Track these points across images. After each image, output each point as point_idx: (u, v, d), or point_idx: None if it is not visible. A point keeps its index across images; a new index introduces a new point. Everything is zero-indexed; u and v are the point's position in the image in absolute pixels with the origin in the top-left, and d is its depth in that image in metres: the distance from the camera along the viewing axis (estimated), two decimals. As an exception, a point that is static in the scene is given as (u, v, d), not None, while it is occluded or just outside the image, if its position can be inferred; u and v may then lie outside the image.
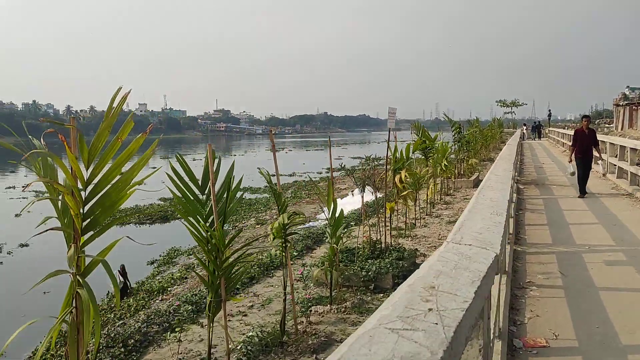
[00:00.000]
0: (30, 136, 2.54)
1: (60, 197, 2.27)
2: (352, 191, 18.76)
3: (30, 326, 2.28)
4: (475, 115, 31.14)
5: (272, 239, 4.45)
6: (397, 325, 1.49)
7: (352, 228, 9.58)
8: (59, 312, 2.32)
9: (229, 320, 5.36)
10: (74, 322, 2.28)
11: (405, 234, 8.88)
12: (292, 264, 7.58)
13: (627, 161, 12.81)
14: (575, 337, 4.36)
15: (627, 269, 6.12)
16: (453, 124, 15.15)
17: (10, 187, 26.94)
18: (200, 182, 3.65)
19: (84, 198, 2.29)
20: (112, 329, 5.39)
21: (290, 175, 30.80)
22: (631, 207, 10.15)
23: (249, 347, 4.24)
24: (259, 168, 4.86)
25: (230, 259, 3.59)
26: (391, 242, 7.69)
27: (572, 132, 26.33)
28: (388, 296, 2.68)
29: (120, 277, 10.78)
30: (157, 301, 8.08)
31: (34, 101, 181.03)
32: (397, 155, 7.59)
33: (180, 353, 4.52)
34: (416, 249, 7.68)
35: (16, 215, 17.61)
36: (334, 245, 5.45)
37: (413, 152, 8.05)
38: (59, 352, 5.37)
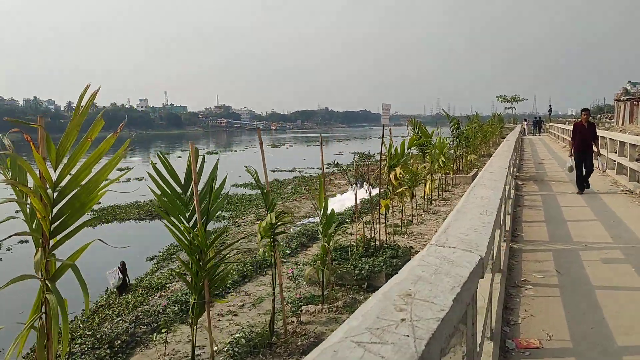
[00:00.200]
0: None
1: (27, 200, 2.18)
2: (355, 186, 18.68)
3: (-1, 332, 2.21)
4: (477, 110, 30.99)
5: (260, 239, 4.36)
6: (365, 338, 1.40)
7: (347, 225, 9.49)
8: (28, 318, 2.24)
9: (219, 320, 5.30)
10: (43, 329, 2.20)
11: (401, 231, 8.79)
12: (285, 262, 7.51)
13: (627, 157, 12.70)
14: (569, 338, 4.27)
15: (624, 267, 6.03)
16: (451, 119, 15.03)
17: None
18: (183, 181, 3.56)
19: (52, 200, 2.21)
20: (109, 326, 5.33)
21: (291, 171, 30.75)
22: (630, 203, 10.05)
23: (235, 349, 4.16)
24: (245, 166, 4.77)
25: (214, 260, 3.50)
26: (386, 240, 7.60)
27: (572, 127, 26.26)
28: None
29: (120, 274, 10.76)
30: (155, 297, 8.02)
31: (35, 97, 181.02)
32: (392, 152, 7.49)
33: (167, 354, 4.44)
34: (411, 246, 7.60)
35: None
36: (326, 244, 5.36)
37: (408, 148, 7.95)
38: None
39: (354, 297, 5.58)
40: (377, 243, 6.89)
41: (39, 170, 2.18)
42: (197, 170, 3.51)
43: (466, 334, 2.19)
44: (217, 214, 15.62)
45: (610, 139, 14.73)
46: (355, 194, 6.99)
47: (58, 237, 2.30)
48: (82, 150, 2.31)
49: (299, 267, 6.89)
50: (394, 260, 6.33)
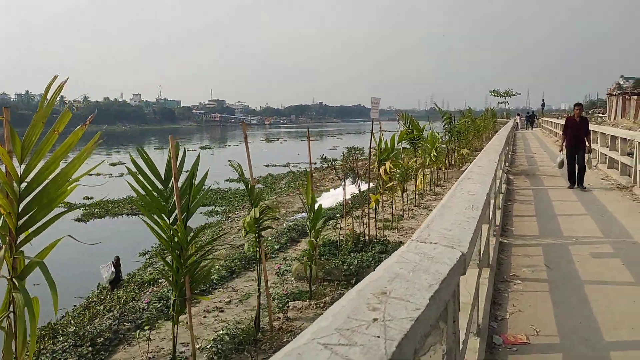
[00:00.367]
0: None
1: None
2: (344, 181, 18.63)
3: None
4: (470, 105, 31.06)
5: (244, 234, 4.29)
6: (333, 339, 1.34)
7: (336, 220, 9.43)
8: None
9: (205, 317, 5.23)
10: (10, 328, 2.12)
11: (391, 226, 8.75)
12: (274, 257, 7.45)
13: (618, 151, 12.69)
14: (557, 333, 4.23)
15: (613, 262, 6.01)
16: (443, 113, 14.98)
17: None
18: (163, 177, 3.48)
19: (18, 195, 2.12)
20: (94, 323, 5.25)
21: (285, 166, 30.67)
22: (621, 197, 10.04)
23: (219, 346, 4.10)
24: (229, 160, 4.69)
25: (196, 257, 3.42)
26: (376, 235, 7.56)
27: (564, 122, 26.31)
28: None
29: (113, 268, 10.72)
30: (147, 293, 7.95)
31: (27, 91, 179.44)
32: (382, 146, 7.43)
33: (151, 352, 4.37)
34: (401, 241, 7.54)
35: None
36: (313, 239, 5.30)
37: (398, 143, 7.89)
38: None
39: (342, 293, 5.52)
40: (367, 238, 6.83)
41: (5, 165, 2.10)
42: (178, 165, 3.43)
43: (446, 332, 2.13)
44: (211, 209, 15.55)
45: (602, 133, 14.73)
46: (344, 189, 6.93)
47: (25, 234, 2.22)
48: (49, 144, 2.23)
49: (287, 262, 6.83)
50: (383, 255, 6.27)
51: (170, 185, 3.43)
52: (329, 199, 15.66)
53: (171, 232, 3.31)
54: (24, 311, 2.02)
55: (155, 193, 3.45)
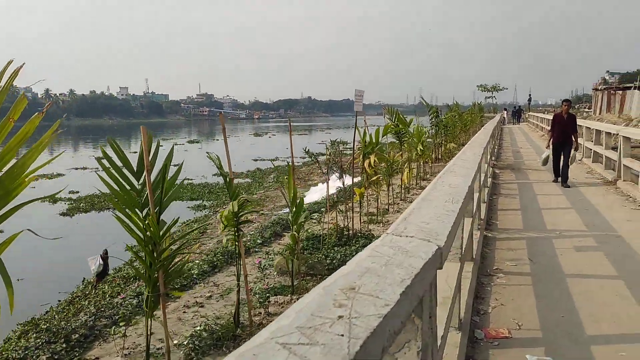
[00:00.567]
0: None
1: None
2: (326, 174, 18.56)
3: None
4: (458, 100, 30.99)
5: (222, 228, 4.19)
6: (293, 338, 1.26)
7: (321, 214, 9.35)
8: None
9: (184, 312, 5.13)
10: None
11: (377, 220, 8.69)
12: (258, 252, 7.36)
13: (603, 145, 12.75)
14: (539, 327, 4.20)
15: (596, 255, 6.00)
16: (430, 108, 14.94)
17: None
18: (135, 170, 3.37)
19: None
20: (77, 317, 5.11)
21: (273, 160, 30.55)
22: (605, 191, 10.08)
23: (196, 342, 4.01)
24: (207, 152, 4.58)
25: (169, 251, 3.33)
26: (360, 229, 7.50)
27: (551, 117, 26.45)
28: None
29: (101, 261, 10.58)
30: (133, 287, 7.82)
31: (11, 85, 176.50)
32: (367, 140, 7.35)
33: (127, 348, 4.27)
34: (386, 235, 7.49)
35: None
36: (295, 233, 5.22)
37: (383, 136, 7.81)
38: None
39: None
40: (351, 232, 6.77)
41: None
42: (151, 157, 3.32)
43: (422, 328, 2.06)
44: (198, 203, 15.33)
45: (586, 127, 14.80)
46: (327, 183, 6.85)
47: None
48: (3, 133, 2.11)
49: (270, 256, 6.74)
50: (367, 249, 6.21)
51: (143, 178, 3.32)
52: (317, 194, 15.59)
53: (144, 225, 3.21)
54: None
55: (127, 186, 3.34)
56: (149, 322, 3.36)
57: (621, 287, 5.00)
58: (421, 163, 13.63)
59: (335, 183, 7.95)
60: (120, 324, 4.52)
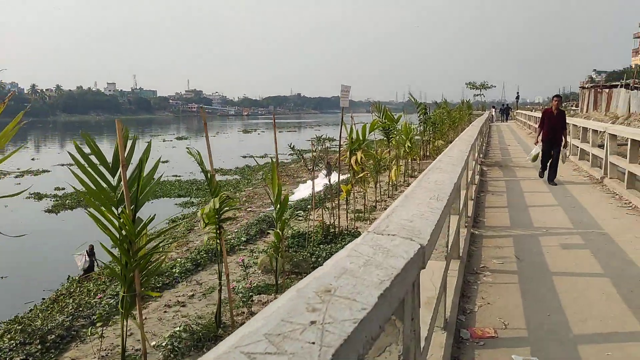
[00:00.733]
0: None
1: None
2: (311, 172, 18.48)
3: None
4: (447, 97, 31.07)
5: (203, 225, 4.08)
6: (260, 347, 1.17)
7: (307, 212, 9.26)
8: None
9: (165, 312, 5.02)
10: None
11: (364, 217, 8.61)
12: (242, 249, 7.25)
13: (589, 143, 12.78)
14: (525, 327, 4.15)
15: (582, 253, 5.97)
16: (418, 105, 14.89)
17: None
18: (111, 166, 3.24)
19: None
20: (53, 317, 4.97)
21: (262, 157, 30.43)
22: (592, 189, 10.10)
23: (175, 343, 3.90)
24: (187, 147, 4.47)
25: (146, 250, 3.21)
26: (347, 226, 7.42)
27: (538, 115, 26.60)
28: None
29: (87, 257, 10.46)
30: (116, 285, 7.68)
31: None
32: (353, 136, 7.27)
33: (104, 349, 4.15)
34: (372, 233, 7.42)
35: None
36: (279, 231, 5.12)
37: (370, 133, 7.73)
38: None
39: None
40: (337, 229, 6.68)
41: None
42: (127, 153, 3.20)
43: (403, 331, 1.97)
44: (186, 200, 15.15)
45: (573, 125, 14.84)
46: (313, 180, 6.76)
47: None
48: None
49: (254, 254, 6.64)
50: (353, 247, 6.13)
51: (118, 174, 3.20)
52: (305, 190, 15.51)
53: (119, 223, 3.09)
54: None
55: (103, 183, 3.22)
56: (125, 324, 3.25)
57: (607, 285, 4.97)
58: (409, 160, 13.58)
59: (323, 180, 7.86)
60: (97, 325, 4.40)
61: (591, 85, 36.27)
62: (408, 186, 12.26)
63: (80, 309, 5.02)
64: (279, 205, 5.11)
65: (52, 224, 16.26)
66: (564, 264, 5.64)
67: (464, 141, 7.40)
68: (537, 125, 14.11)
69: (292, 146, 6.71)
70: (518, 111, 46.86)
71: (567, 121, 11.60)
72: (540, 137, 10.98)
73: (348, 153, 7.32)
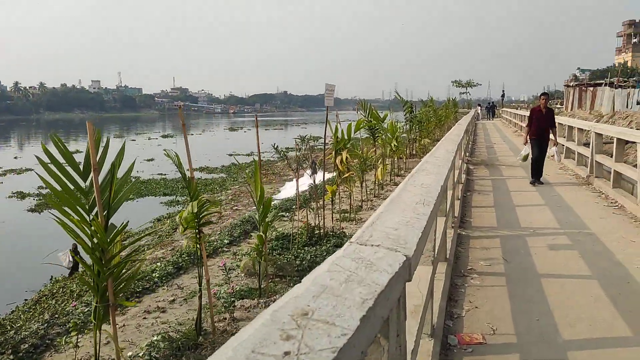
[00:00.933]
0: None
1: None
2: (296, 172, 18.35)
3: None
4: (433, 95, 31.09)
5: (182, 230, 3.93)
6: (225, 385, 1.05)
7: (293, 211, 9.12)
8: None
9: (144, 318, 4.85)
10: None
11: (350, 217, 8.50)
12: (225, 252, 7.09)
13: (575, 141, 12.80)
14: (514, 332, 4.06)
15: (570, 254, 5.92)
16: (404, 103, 14.81)
17: None
18: (82, 169, 3.08)
19: None
20: (27, 325, 4.79)
21: (248, 155, 30.21)
22: (578, 188, 10.09)
23: (153, 353, 3.75)
24: (165, 150, 4.31)
25: (120, 257, 3.05)
26: (333, 227, 7.30)
27: (523, 113, 26.72)
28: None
29: (70, 257, 10.26)
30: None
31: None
32: (339, 136, 7.14)
33: (79, 359, 3.98)
34: (358, 234, 7.31)
35: None
36: (262, 234, 4.98)
37: (355, 132, 7.61)
38: None
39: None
40: (322, 231, 6.56)
41: None
42: (100, 155, 3.04)
43: (388, 349, 1.86)
44: (171, 198, 14.86)
45: (559, 123, 14.86)
46: (297, 181, 6.62)
47: None
48: None
49: (237, 257, 6.48)
50: (338, 249, 6.01)
51: (90, 179, 3.04)
52: (292, 189, 15.35)
53: (90, 231, 2.93)
54: None
55: (73, 188, 3.06)
56: (98, 335, 3.09)
57: (595, 287, 4.91)
58: (395, 159, 13.50)
59: (309, 179, 7.73)
60: (72, 334, 4.22)
61: (576, 83, 36.56)
62: (395, 185, 12.24)
63: (57, 315, 4.83)
64: (261, 208, 4.97)
65: (35, 224, 15.97)
66: (552, 265, 5.58)
67: (450, 141, 7.31)
68: (524, 124, 14.03)
69: (275, 146, 6.57)
70: (504, 109, 47.14)
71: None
72: (528, 137, 10.70)
73: (333, 153, 7.19)
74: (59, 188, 2.96)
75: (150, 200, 17.95)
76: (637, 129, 15.16)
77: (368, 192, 10.49)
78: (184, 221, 3.84)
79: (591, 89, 31.83)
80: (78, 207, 2.99)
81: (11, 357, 4.09)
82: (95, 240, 2.91)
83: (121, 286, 3.10)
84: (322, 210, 6.76)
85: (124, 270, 3.11)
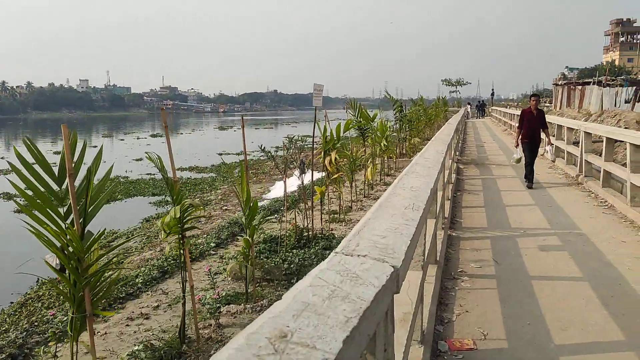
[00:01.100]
0: None
1: None
2: (302, 171, 18.23)
3: None
4: (423, 94, 31.06)
5: (164, 236, 3.81)
6: None
7: (281, 213, 9.00)
8: None
9: (127, 326, 4.72)
10: None
11: (339, 218, 8.40)
12: (212, 254, 6.96)
13: (564, 140, 12.80)
14: (505, 337, 3.99)
15: (560, 255, 5.86)
16: (394, 102, 14.74)
17: None
18: (57, 174, 2.94)
19: None
20: (4, 335, 4.64)
21: (238, 154, 30.02)
22: (567, 187, 10.07)
23: (134, 364, 3.62)
24: (146, 152, 4.18)
25: (97, 266, 2.93)
26: (322, 229, 7.19)
27: (513, 111, 26.78)
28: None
29: (57, 260, 10.02)
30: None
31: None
32: (327, 136, 7.03)
33: (59, 370, 3.85)
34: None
35: None
36: (249, 237, 4.86)
37: (344, 132, 7.51)
38: None
39: (281, 295, 5.12)
40: (310, 233, 6.45)
41: None
42: (76, 159, 2.91)
43: (375, 366, 1.76)
44: (160, 199, 14.62)
45: (548, 122, 14.86)
46: (285, 182, 6.51)
47: None
48: None
49: (224, 260, 6.36)
50: (327, 251, 5.91)
51: (65, 184, 2.91)
52: (283, 188, 15.25)
53: (66, 240, 2.80)
54: None
55: (48, 194, 2.92)
56: (75, 347, 2.96)
57: (587, 289, 4.85)
58: (385, 158, 13.42)
59: (298, 180, 7.63)
60: (50, 343, 4.09)
61: (564, 82, 36.74)
62: (385, 185, 12.15)
63: (36, 324, 4.68)
64: (248, 210, 4.85)
65: (23, 225, 15.69)
66: (543, 267, 5.52)
67: (440, 141, 7.23)
68: (514, 124, 13.99)
69: (262, 147, 6.45)
70: (493, 108, 47.31)
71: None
72: (519, 139, 10.45)
73: (322, 153, 7.08)
74: (39, 193, 2.81)
75: (139, 201, 17.75)
76: (625, 128, 15.23)
77: (358, 193, 10.40)
78: (166, 226, 3.71)
79: (580, 87, 31.99)
80: (53, 214, 2.86)
81: (-13, 368, 3.95)
82: (70, 249, 2.79)
83: (99, 295, 2.98)
84: (311, 211, 6.65)
85: (102, 279, 2.98)
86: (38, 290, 8.83)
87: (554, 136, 13.93)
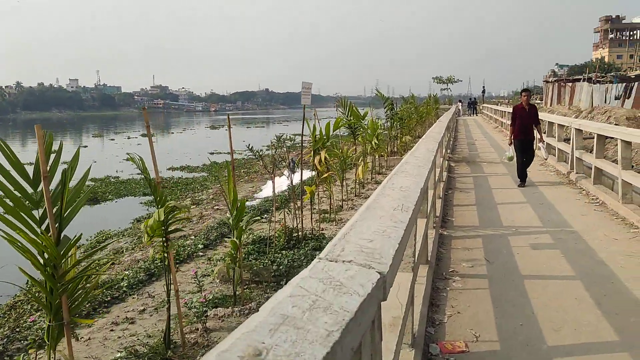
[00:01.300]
0: None
1: None
2: (292, 171, 18.12)
3: None
4: (414, 92, 31.01)
5: (147, 239, 3.69)
6: None
7: (271, 213, 8.89)
8: None
9: (111, 331, 4.60)
10: None
11: (329, 218, 8.31)
12: (201, 256, 6.85)
13: (555, 137, 12.79)
14: (497, 338, 3.91)
15: (552, 253, 5.81)
16: (385, 99, 14.67)
17: None
18: (32, 177, 2.83)
19: None
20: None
21: (229, 153, 29.88)
22: (559, 184, 10.04)
23: (117, 371, 3.51)
24: (128, 153, 4.07)
25: (75, 272, 2.81)
26: (312, 229, 7.10)
27: (504, 109, 26.81)
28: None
29: None
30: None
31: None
32: (317, 135, 6.94)
33: (39, 378, 3.73)
34: (338, 235, 7.12)
35: None
36: (236, 239, 4.76)
37: (334, 130, 7.42)
38: None
39: (270, 297, 5.03)
40: (300, 233, 6.36)
41: None
42: (52, 161, 2.79)
43: (360, 380, 1.66)
44: (151, 198, 14.50)
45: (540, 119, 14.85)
46: (273, 182, 6.41)
47: None
48: None
49: (213, 262, 6.25)
50: (317, 252, 5.81)
51: (40, 188, 2.79)
52: (271, 189, 15.14)
53: (42, 245, 2.68)
54: None
55: (22, 198, 2.81)
56: (53, 357, 2.84)
57: (579, 288, 4.79)
58: (376, 157, 13.35)
59: (285, 180, 7.53)
60: (29, 351, 3.97)
61: (554, 79, 36.87)
62: (376, 183, 12.06)
63: (17, 329, 4.55)
64: (235, 212, 4.75)
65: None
66: (535, 265, 5.46)
67: (431, 139, 7.15)
68: (505, 120, 13.95)
69: (249, 147, 6.34)
70: (484, 105, 47.40)
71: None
72: (512, 136, 10.16)
73: (312, 153, 6.99)
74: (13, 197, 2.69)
75: (129, 201, 17.58)
76: (615, 124, 15.25)
77: (349, 192, 10.32)
78: (150, 229, 3.60)
79: (570, 84, 32.11)
80: (27, 219, 2.74)
81: (-35, 376, 3.82)
82: (45, 255, 2.67)
83: (77, 302, 2.86)
84: (300, 211, 6.55)
85: (80, 285, 2.87)
86: (27, 293, 8.67)
87: (544, 133, 13.91)
